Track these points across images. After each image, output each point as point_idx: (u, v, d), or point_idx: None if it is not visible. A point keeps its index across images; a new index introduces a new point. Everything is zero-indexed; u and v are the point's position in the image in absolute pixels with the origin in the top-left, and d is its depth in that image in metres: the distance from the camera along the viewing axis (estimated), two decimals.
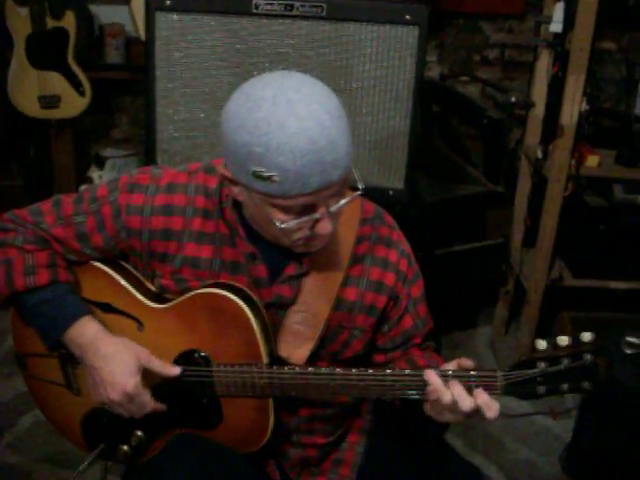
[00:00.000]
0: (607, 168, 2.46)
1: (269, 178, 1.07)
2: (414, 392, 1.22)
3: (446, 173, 2.85)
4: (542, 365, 1.16)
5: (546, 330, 2.89)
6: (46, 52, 2.81)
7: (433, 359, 1.36)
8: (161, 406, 1.30)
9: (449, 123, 3.36)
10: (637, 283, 2.60)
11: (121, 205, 1.29)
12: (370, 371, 1.24)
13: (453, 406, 1.16)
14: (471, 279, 2.81)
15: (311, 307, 1.30)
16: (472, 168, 2.94)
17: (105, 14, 3.18)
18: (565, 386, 1.16)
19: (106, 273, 1.34)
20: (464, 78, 3.35)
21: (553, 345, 1.18)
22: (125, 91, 3.40)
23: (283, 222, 1.13)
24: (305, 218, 1.14)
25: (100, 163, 3.16)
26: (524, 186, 2.76)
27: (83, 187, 2.97)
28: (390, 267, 1.35)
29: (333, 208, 1.14)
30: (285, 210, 1.13)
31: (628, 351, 1.97)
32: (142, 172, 1.34)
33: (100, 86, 3.01)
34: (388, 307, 1.37)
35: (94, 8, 3.17)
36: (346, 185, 1.16)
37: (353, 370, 1.24)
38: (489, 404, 1.15)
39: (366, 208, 1.38)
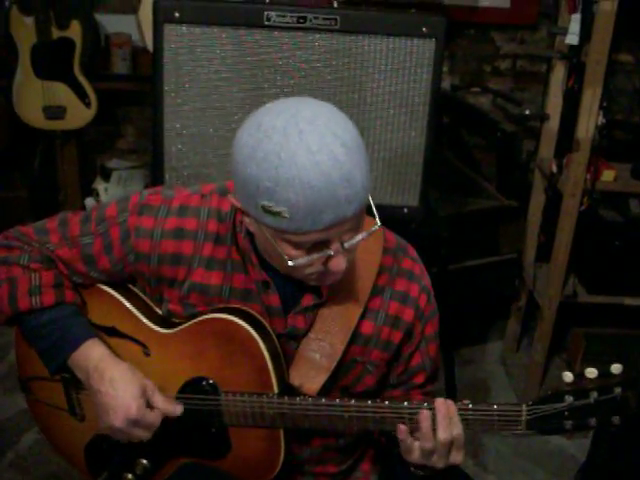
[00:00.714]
0: (623, 183, 2.41)
1: (279, 214, 1.01)
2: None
3: (458, 186, 2.80)
4: (570, 399, 1.11)
5: (559, 347, 2.87)
6: (51, 62, 2.79)
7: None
8: (177, 409, 1.23)
9: (459, 135, 3.31)
10: None
11: (130, 227, 1.24)
12: (386, 403, 1.18)
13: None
14: (483, 294, 2.76)
15: (328, 336, 1.25)
16: (484, 181, 2.89)
17: (111, 24, 3.14)
18: (593, 421, 1.11)
19: (112, 296, 1.30)
20: (475, 89, 3.31)
21: (580, 377, 1.12)
22: (131, 102, 3.36)
23: (293, 258, 1.08)
24: (317, 255, 1.08)
25: (106, 175, 3.12)
26: (537, 200, 2.72)
27: (90, 204, 2.95)
28: (410, 302, 1.30)
29: (348, 244, 1.08)
30: (296, 245, 1.07)
31: None
32: (153, 193, 1.28)
33: (106, 97, 2.99)
34: (402, 343, 1.32)
35: (100, 17, 3.14)
36: (363, 219, 1.10)
37: (368, 402, 1.19)
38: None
39: (388, 238, 1.32)
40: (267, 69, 1.75)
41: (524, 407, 1.12)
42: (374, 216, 1.12)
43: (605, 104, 2.26)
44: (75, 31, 2.79)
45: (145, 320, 1.27)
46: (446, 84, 3.34)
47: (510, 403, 1.15)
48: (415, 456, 1.16)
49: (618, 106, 3.20)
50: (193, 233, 1.24)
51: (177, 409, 1.23)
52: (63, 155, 3.09)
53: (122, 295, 1.30)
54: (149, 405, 1.21)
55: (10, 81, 2.81)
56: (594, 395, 1.10)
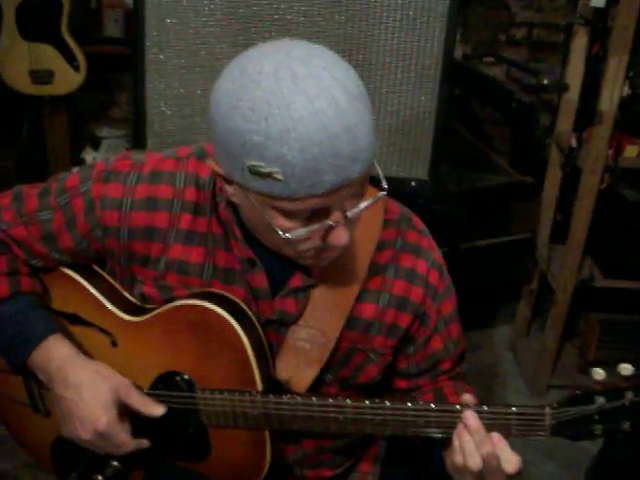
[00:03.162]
0: None
1: (269, 175, 0.85)
2: (439, 430, 1.02)
3: (468, 161, 2.67)
4: (601, 400, 0.96)
5: (571, 332, 2.75)
6: (38, 23, 2.68)
7: (465, 393, 1.13)
8: (143, 443, 1.11)
9: (471, 107, 3.16)
10: None
11: (95, 197, 1.08)
12: (387, 404, 1.03)
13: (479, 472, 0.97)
14: (493, 276, 2.66)
15: (319, 322, 1.09)
16: (497, 156, 2.75)
17: None
18: (627, 425, 0.97)
19: (73, 279, 1.15)
20: (488, 59, 3.15)
21: (613, 375, 0.97)
22: (125, 67, 3.23)
23: (287, 230, 0.92)
24: (316, 225, 0.91)
25: (96, 144, 3.00)
26: (554, 177, 2.60)
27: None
28: (418, 280, 1.14)
29: (351, 213, 0.92)
30: (290, 215, 0.90)
31: None
32: (121, 158, 1.12)
33: (97, 62, 2.86)
34: (413, 327, 1.16)
35: None
36: (367, 183, 0.94)
37: (367, 402, 1.04)
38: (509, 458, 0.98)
39: (391, 208, 1.16)
40: (261, 23, 1.59)
41: (548, 410, 0.98)
42: (379, 181, 0.96)
43: (632, 74, 2.11)
44: None
45: (111, 306, 1.13)
46: (458, 53, 3.19)
47: (531, 405, 1.00)
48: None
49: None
50: (168, 202, 1.07)
51: (158, 409, 1.09)
52: (52, 123, 2.98)
53: (85, 278, 1.15)
54: (124, 411, 1.07)
55: None
56: (629, 395, 0.95)
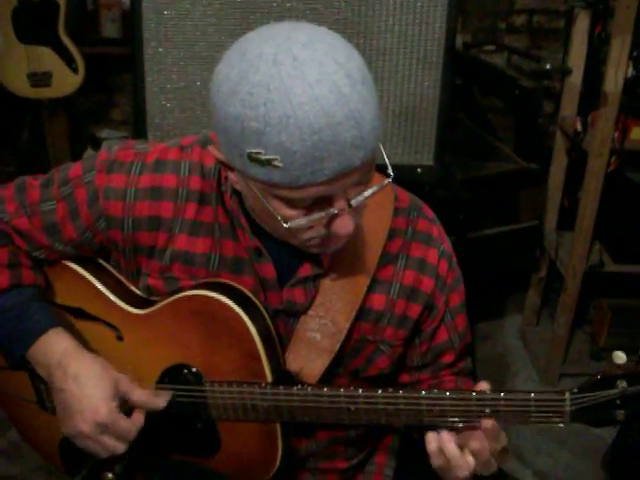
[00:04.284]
0: None
1: (269, 162, 0.82)
2: (455, 420, 0.99)
3: (473, 149, 2.64)
4: (622, 384, 0.93)
5: (582, 319, 2.73)
6: (35, 25, 2.67)
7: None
8: (160, 401, 1.08)
9: (473, 96, 3.13)
10: None
11: (98, 188, 1.06)
12: (401, 392, 1.01)
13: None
14: (502, 264, 2.61)
15: (330, 312, 1.07)
16: (501, 144, 2.72)
17: None
18: None
19: (78, 273, 1.13)
20: (489, 47, 3.11)
21: (634, 358, 0.94)
22: (124, 69, 3.21)
23: (289, 219, 0.89)
24: (318, 214, 0.89)
25: (96, 145, 2.97)
26: (559, 162, 2.57)
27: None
28: (428, 270, 1.12)
29: (355, 201, 0.89)
30: (291, 203, 0.88)
31: None
32: (124, 148, 1.10)
33: (96, 63, 2.85)
34: (422, 318, 1.14)
35: None
36: (372, 170, 0.91)
37: (379, 391, 1.01)
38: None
39: (401, 196, 1.13)
40: (260, 12, 1.56)
41: (568, 395, 0.95)
42: (385, 168, 0.93)
43: (636, 54, 2.08)
44: None
45: (116, 300, 1.11)
46: (458, 42, 3.15)
47: (550, 391, 0.97)
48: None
49: None
50: (173, 192, 1.05)
51: (160, 401, 1.07)
52: (52, 126, 2.97)
53: (89, 272, 1.13)
54: (125, 405, 1.05)
55: None
56: None
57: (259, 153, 0.82)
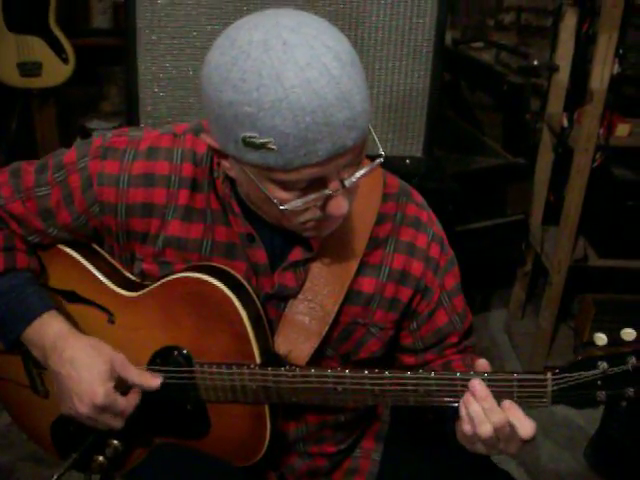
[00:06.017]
0: (639, 138, 2.28)
1: (263, 145, 0.84)
2: (442, 400, 1.01)
3: (460, 144, 2.65)
4: (603, 365, 0.95)
5: (566, 314, 2.76)
6: (25, 15, 2.64)
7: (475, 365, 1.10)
8: (155, 381, 1.09)
9: (461, 93, 3.15)
10: None
11: (92, 174, 1.07)
12: (387, 373, 1.03)
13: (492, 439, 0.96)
14: (488, 258, 2.63)
15: (318, 296, 1.09)
16: (489, 140, 2.74)
17: None
18: (630, 391, 0.96)
19: (70, 256, 1.14)
20: (478, 44, 3.13)
21: (615, 340, 0.97)
22: (114, 60, 3.18)
23: (285, 202, 0.91)
24: (313, 196, 0.91)
25: (86, 136, 2.94)
26: (545, 158, 2.60)
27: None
28: (418, 254, 1.13)
29: (349, 181, 0.91)
30: (287, 186, 0.90)
31: None
32: (118, 134, 1.11)
33: (86, 54, 2.82)
34: (414, 301, 1.16)
35: None
36: (364, 151, 0.93)
37: (366, 371, 1.03)
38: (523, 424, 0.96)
39: (390, 182, 1.15)
40: (253, 2, 1.57)
41: (549, 376, 0.97)
42: (374, 156, 0.95)
43: (622, 52, 2.11)
44: None
45: (108, 283, 1.12)
46: (447, 39, 3.16)
47: (532, 371, 0.99)
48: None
49: (628, 62, 3.05)
50: (165, 178, 1.07)
51: (155, 381, 1.08)
52: (41, 117, 2.94)
53: (83, 255, 1.14)
54: (121, 384, 1.07)
55: None
56: (632, 360, 0.94)
57: (253, 137, 0.84)
